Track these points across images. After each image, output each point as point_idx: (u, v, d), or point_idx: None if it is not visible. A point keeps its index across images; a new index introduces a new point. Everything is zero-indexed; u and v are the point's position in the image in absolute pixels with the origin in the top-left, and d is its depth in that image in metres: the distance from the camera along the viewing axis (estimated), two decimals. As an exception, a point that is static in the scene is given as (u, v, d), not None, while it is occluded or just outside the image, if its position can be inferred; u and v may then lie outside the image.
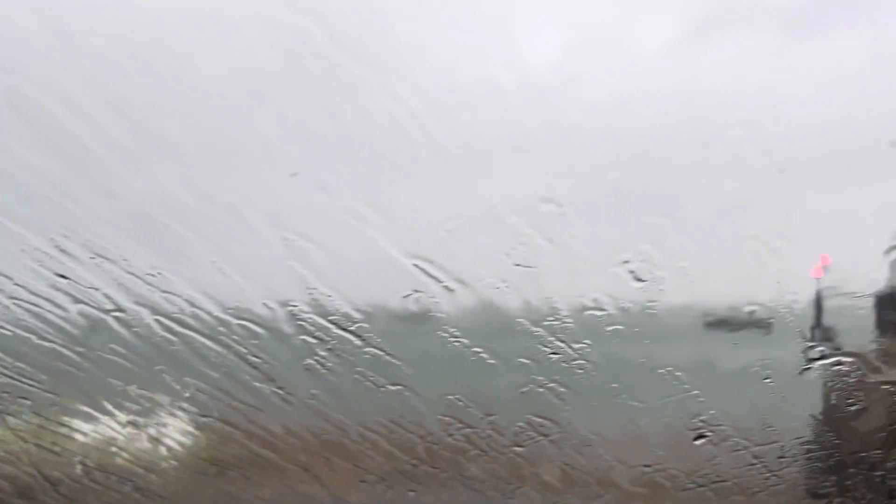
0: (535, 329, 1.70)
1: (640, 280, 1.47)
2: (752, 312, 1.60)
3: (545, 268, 1.49)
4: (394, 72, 1.15)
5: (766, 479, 2.40)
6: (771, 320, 1.67)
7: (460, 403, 2.25)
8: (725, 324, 1.64)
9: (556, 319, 1.65)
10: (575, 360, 1.85)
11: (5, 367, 2.37)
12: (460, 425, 2.40)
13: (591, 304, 1.58)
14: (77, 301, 1.82)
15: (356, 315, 1.76)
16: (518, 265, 1.49)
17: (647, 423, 2.17)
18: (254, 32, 1.23)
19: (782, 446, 2.19)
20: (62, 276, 1.68)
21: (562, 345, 1.77)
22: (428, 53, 1.21)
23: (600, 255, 1.44)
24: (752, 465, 2.26)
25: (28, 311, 1.90)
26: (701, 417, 2.04)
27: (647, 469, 2.53)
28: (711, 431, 2.15)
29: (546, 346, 1.78)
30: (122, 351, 2.15)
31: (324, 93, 1.25)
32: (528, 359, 1.87)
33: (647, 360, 1.78)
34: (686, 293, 1.55)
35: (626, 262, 1.43)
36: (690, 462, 2.40)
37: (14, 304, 1.86)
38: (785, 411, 1.99)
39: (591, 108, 1.28)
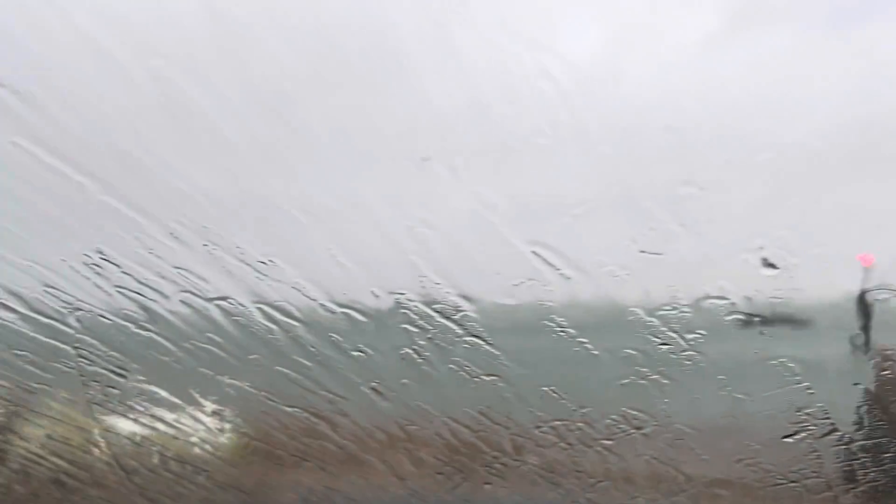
0: (648, 319, 1.66)
1: (772, 267, 1.43)
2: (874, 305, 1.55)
3: (673, 255, 1.46)
4: (539, 49, 1.13)
5: (866, 475, 2.34)
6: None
7: (554, 395, 2.22)
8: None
9: (673, 309, 1.62)
10: (684, 351, 1.81)
11: (99, 357, 2.40)
12: (550, 417, 2.38)
13: (714, 293, 1.54)
14: (183, 290, 1.82)
15: (463, 304, 1.74)
16: (643, 252, 1.46)
17: (748, 416, 2.13)
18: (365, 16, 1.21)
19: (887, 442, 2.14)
20: (175, 266, 1.68)
21: (674, 335, 1.73)
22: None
23: (734, 240, 1.40)
24: (854, 460, 2.21)
25: (131, 299, 1.91)
26: (806, 411, 1.99)
27: (737, 463, 2.48)
28: (814, 426, 2.10)
29: (657, 337, 1.75)
30: (219, 340, 2.15)
31: (446, 77, 1.23)
32: (634, 350, 1.83)
33: (760, 350, 1.74)
34: (819, 282, 1.51)
35: (760, 248, 1.39)
36: (786, 456, 2.35)
37: (118, 291, 1.87)
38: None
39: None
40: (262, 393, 2.50)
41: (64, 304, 2.01)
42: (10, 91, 1.23)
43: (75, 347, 2.32)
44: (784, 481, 2.48)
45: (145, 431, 2.98)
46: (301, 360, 2.20)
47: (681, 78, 1.17)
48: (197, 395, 2.57)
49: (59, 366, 2.48)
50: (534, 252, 1.52)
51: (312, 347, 2.12)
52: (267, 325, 1.97)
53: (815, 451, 2.27)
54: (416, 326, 1.89)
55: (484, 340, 1.93)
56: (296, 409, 2.59)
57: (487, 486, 3.00)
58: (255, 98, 1.21)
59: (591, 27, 1.16)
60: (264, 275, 1.73)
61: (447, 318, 1.83)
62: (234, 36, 1.11)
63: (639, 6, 1.16)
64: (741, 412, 2.14)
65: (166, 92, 1.23)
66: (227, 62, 1.14)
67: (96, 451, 3.20)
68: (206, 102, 1.23)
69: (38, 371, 2.56)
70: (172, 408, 2.74)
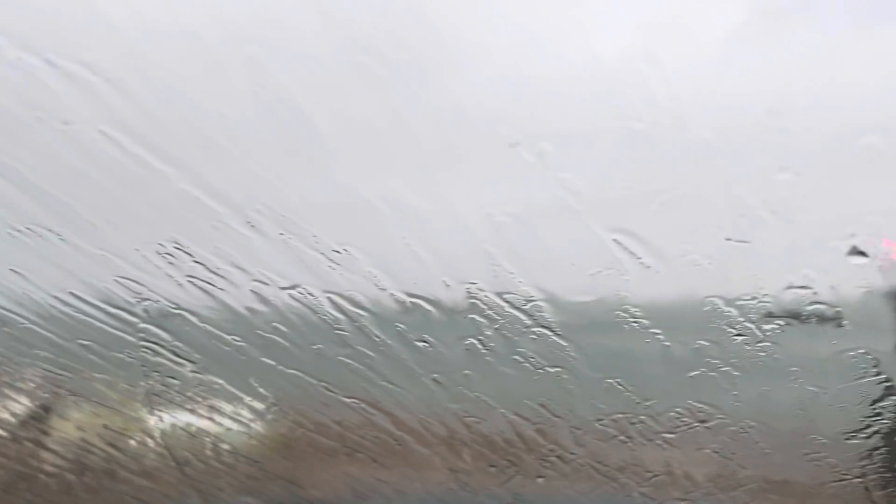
0: (726, 309, 1.64)
1: (861, 255, 1.40)
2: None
3: (761, 243, 1.44)
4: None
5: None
6: None
7: (619, 387, 2.21)
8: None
9: (753, 299, 1.59)
10: (760, 342, 1.79)
11: (162, 347, 2.42)
12: (612, 410, 2.36)
13: (798, 283, 1.52)
14: (254, 279, 1.83)
15: (535, 293, 1.73)
16: (729, 240, 1.44)
17: (819, 410, 2.10)
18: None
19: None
20: (249, 256, 1.70)
21: (750, 326, 1.71)
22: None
23: (825, 227, 1.38)
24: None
25: (201, 289, 1.92)
26: (881, 404, 1.95)
27: (802, 459, 2.45)
28: (887, 420, 2.07)
29: (732, 328, 1.73)
30: (284, 330, 2.16)
31: (524, 59, 1.22)
32: (708, 341, 1.81)
33: (839, 341, 1.71)
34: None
35: (851, 235, 1.37)
36: (854, 452, 2.32)
37: (188, 281, 1.88)
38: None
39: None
40: (322, 383, 2.51)
41: (133, 294, 2.03)
42: (103, 79, 1.24)
43: (140, 337, 2.35)
44: (848, 477, 2.44)
45: (201, 422, 3.01)
46: (365, 350, 2.21)
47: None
48: (257, 386, 2.59)
49: (121, 356, 2.51)
50: (615, 240, 1.50)
51: (377, 338, 2.12)
52: (334, 315, 1.98)
53: (883, 446, 2.24)
54: (485, 317, 1.88)
55: (552, 331, 1.92)
56: (354, 400, 2.59)
57: (540, 480, 3.00)
58: (346, 85, 1.21)
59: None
60: (337, 264, 1.73)
61: (516, 308, 1.83)
62: (328, 19, 1.11)
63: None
64: (812, 405, 2.11)
65: (256, 79, 1.23)
66: (319, 48, 1.15)
67: (150, 441, 3.24)
68: (297, 90, 1.24)
69: (100, 361, 2.60)
70: (231, 398, 2.76)
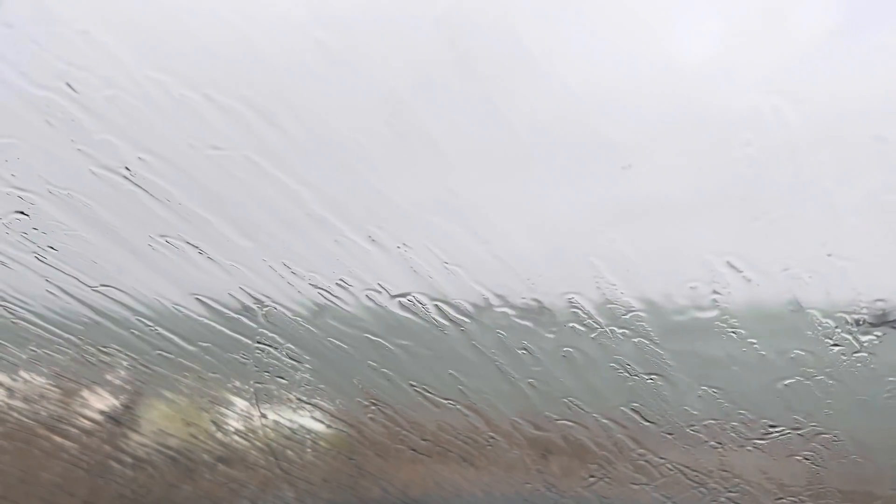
0: (824, 320, 1.71)
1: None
2: None
3: (862, 259, 1.51)
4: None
5: None
6: None
7: (714, 394, 2.28)
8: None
9: (852, 312, 1.66)
10: (856, 352, 1.84)
11: (275, 349, 2.60)
12: (705, 416, 2.43)
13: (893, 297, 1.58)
14: (368, 288, 1.98)
15: (635, 304, 1.83)
16: (830, 255, 1.51)
17: (915, 421, 2.13)
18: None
19: None
20: (367, 268, 1.84)
21: (848, 337, 1.77)
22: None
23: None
24: None
25: (318, 297, 2.08)
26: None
27: (892, 469, 2.47)
28: None
29: (829, 338, 1.79)
30: (392, 335, 2.31)
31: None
32: (804, 351, 1.88)
33: (938, 354, 1.75)
34: None
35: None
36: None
37: (309, 288, 2.04)
38: None
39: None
40: (422, 386, 2.65)
41: (255, 301, 2.20)
42: (253, 110, 1.40)
43: (256, 340, 2.53)
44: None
45: (303, 420, 3.19)
46: (466, 354, 2.34)
47: None
48: (359, 386, 2.74)
49: (237, 356, 2.70)
50: (716, 254, 1.59)
51: (478, 344, 2.25)
52: (440, 322, 2.11)
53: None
54: (584, 325, 1.98)
55: (650, 339, 2.01)
56: (450, 402, 2.73)
57: (630, 485, 3.07)
58: (466, 101, 1.34)
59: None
60: (445, 274, 1.87)
61: (616, 318, 1.93)
62: (457, 38, 1.23)
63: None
64: (906, 416, 2.14)
65: (390, 102, 1.37)
66: (443, 63, 1.28)
67: (253, 437, 3.44)
68: (422, 109, 1.37)
69: (215, 362, 2.80)
70: (332, 398, 2.93)
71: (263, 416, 3.28)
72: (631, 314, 1.94)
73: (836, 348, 1.87)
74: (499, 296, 2.02)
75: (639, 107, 1.35)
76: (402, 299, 2.12)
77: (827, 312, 1.75)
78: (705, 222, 1.55)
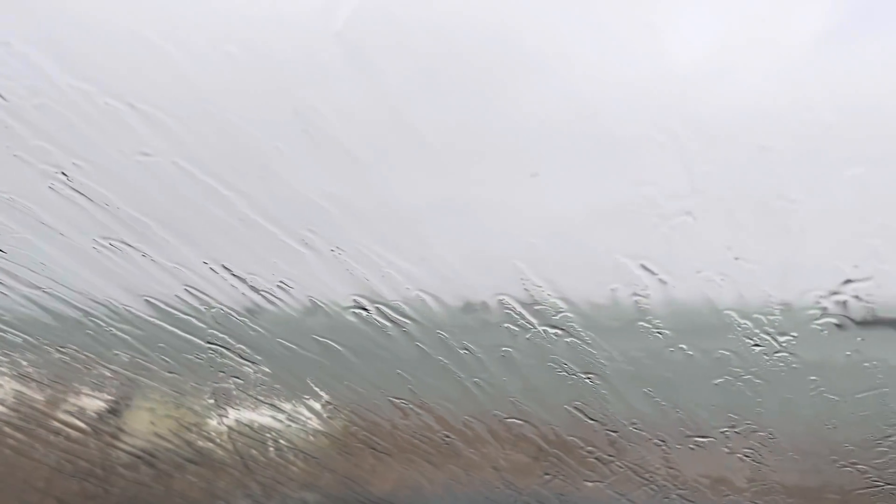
0: (741, 321, 1.76)
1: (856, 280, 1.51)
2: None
3: (768, 262, 1.56)
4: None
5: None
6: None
7: (649, 392, 2.33)
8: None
9: (768, 313, 1.72)
10: (777, 352, 1.90)
11: (228, 349, 2.65)
12: (645, 414, 2.48)
13: (807, 299, 1.64)
14: (308, 291, 2.03)
15: (562, 305, 1.88)
16: (738, 259, 1.56)
17: (842, 417, 2.19)
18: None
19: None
20: (303, 271, 1.89)
21: (766, 337, 1.82)
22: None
23: (827, 248, 1.50)
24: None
25: (262, 298, 2.13)
26: (903, 413, 2.03)
27: (832, 465, 2.52)
28: (911, 428, 2.14)
29: (750, 339, 1.85)
30: (337, 336, 2.36)
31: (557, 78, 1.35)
32: (728, 351, 1.93)
33: (853, 353, 1.81)
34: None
35: (851, 255, 1.48)
36: (885, 459, 2.39)
37: (251, 291, 2.09)
38: None
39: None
40: (372, 385, 2.70)
41: (201, 302, 2.25)
42: (175, 118, 1.45)
43: (207, 341, 2.58)
44: (881, 483, 2.51)
45: (263, 419, 3.24)
46: (410, 355, 2.39)
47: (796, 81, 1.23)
48: (313, 386, 2.79)
49: (191, 357, 2.75)
50: (630, 257, 1.65)
51: (423, 345, 2.30)
52: (382, 323, 2.16)
53: (911, 453, 2.30)
54: (518, 326, 2.03)
55: (582, 340, 2.06)
56: (402, 401, 2.77)
57: (584, 483, 3.12)
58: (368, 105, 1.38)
59: (701, 26, 1.24)
60: (383, 276, 1.91)
61: (547, 318, 1.98)
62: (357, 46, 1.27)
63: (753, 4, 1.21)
64: (834, 413, 2.20)
65: (298, 108, 1.42)
66: (352, 74, 1.32)
67: (217, 436, 3.49)
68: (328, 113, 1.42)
69: (172, 362, 2.84)
70: (289, 398, 2.98)
71: (224, 415, 3.32)
72: (560, 315, 1.99)
73: (758, 348, 1.92)
74: (434, 297, 2.07)
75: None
76: (343, 301, 2.16)
77: (743, 313, 1.80)
78: (614, 227, 1.61)
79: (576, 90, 1.33)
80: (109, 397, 3.26)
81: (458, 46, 1.30)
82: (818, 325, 1.77)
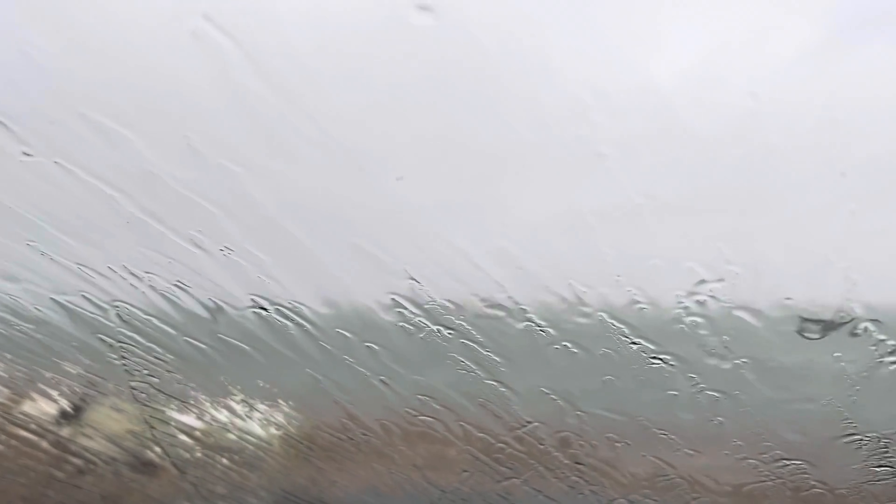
0: (615, 323, 1.84)
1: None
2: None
3: (619, 260, 1.63)
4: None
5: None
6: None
7: (543, 390, 2.40)
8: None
9: (631, 314, 1.79)
10: (654, 352, 1.98)
11: (139, 348, 2.67)
12: (539, 412, 2.55)
13: (674, 298, 1.72)
14: (213, 295, 2.07)
15: (449, 305, 1.94)
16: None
17: (731, 415, 2.27)
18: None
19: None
20: (197, 272, 1.93)
21: (640, 339, 1.90)
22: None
23: (679, 249, 1.57)
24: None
25: (161, 297, 2.17)
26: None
27: (727, 458, 2.61)
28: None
29: (627, 337, 1.92)
30: (245, 337, 2.40)
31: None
32: (609, 349, 2.01)
33: (723, 349, 1.89)
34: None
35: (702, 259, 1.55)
36: (769, 453, 2.48)
37: (150, 290, 2.12)
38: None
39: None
40: (285, 387, 2.74)
41: (106, 301, 2.27)
42: (40, 116, 1.49)
43: (118, 341, 2.60)
44: (771, 478, 2.60)
45: (186, 418, 3.25)
46: (317, 355, 2.43)
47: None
48: (227, 385, 2.82)
49: (107, 355, 2.77)
50: (490, 256, 1.71)
51: (327, 345, 2.34)
52: (283, 323, 2.20)
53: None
54: (413, 325, 2.09)
55: (472, 339, 2.12)
56: (315, 401, 2.81)
57: (501, 479, 3.18)
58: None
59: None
60: (272, 279, 1.96)
61: (438, 318, 2.03)
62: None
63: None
64: (718, 410, 2.28)
65: (188, 119, 1.46)
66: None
67: (140, 434, 3.49)
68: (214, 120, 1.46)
69: (89, 362, 2.86)
70: (207, 397, 3.00)
71: (147, 414, 3.34)
72: (447, 315, 2.05)
73: (635, 346, 2.00)
74: (327, 299, 2.12)
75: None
76: (243, 301, 2.20)
77: (613, 314, 1.87)
78: (461, 224, 1.67)
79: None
80: (26, 401, 3.25)
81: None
82: (684, 324, 1.85)
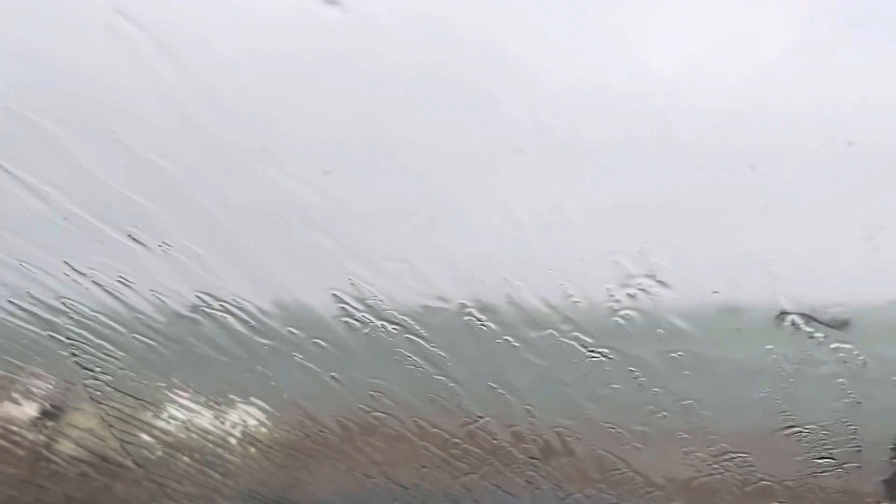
0: (563, 326, 1.86)
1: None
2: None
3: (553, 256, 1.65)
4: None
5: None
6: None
7: (492, 385, 2.42)
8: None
9: (563, 313, 1.81)
10: (591, 350, 2.00)
11: (89, 345, 2.66)
12: (491, 406, 2.56)
13: (607, 295, 1.74)
14: (153, 290, 2.07)
15: (389, 302, 1.95)
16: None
17: (674, 409, 2.30)
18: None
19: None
20: (141, 267, 1.93)
21: (577, 334, 1.92)
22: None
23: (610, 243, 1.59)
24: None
25: (105, 294, 2.16)
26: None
27: (677, 453, 2.63)
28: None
29: (565, 338, 1.94)
30: (192, 335, 2.39)
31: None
32: (548, 344, 2.02)
33: (662, 345, 1.91)
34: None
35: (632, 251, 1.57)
36: (714, 446, 2.51)
37: (93, 287, 2.12)
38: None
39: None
40: (235, 385, 2.74)
41: (53, 298, 2.27)
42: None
43: (68, 338, 2.59)
44: (719, 472, 2.63)
45: (144, 416, 3.24)
46: (264, 353, 2.43)
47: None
48: (179, 383, 2.82)
49: (59, 352, 2.75)
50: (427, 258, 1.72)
51: (274, 342, 2.34)
52: (229, 320, 2.21)
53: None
54: (357, 321, 2.10)
55: (417, 334, 2.14)
56: (266, 400, 2.82)
57: (459, 474, 3.19)
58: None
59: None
60: (214, 275, 1.96)
61: (380, 313, 2.04)
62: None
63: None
64: (663, 404, 2.31)
65: (124, 120, 1.46)
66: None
67: (100, 433, 3.47)
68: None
69: (42, 360, 2.84)
70: (163, 394, 3.00)
71: (104, 412, 3.32)
72: (389, 310, 2.06)
73: (574, 341, 2.02)
74: (271, 296, 2.12)
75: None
76: (187, 298, 2.20)
77: (548, 308, 1.89)
78: (397, 222, 1.68)
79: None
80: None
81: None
82: (619, 318, 1.87)
